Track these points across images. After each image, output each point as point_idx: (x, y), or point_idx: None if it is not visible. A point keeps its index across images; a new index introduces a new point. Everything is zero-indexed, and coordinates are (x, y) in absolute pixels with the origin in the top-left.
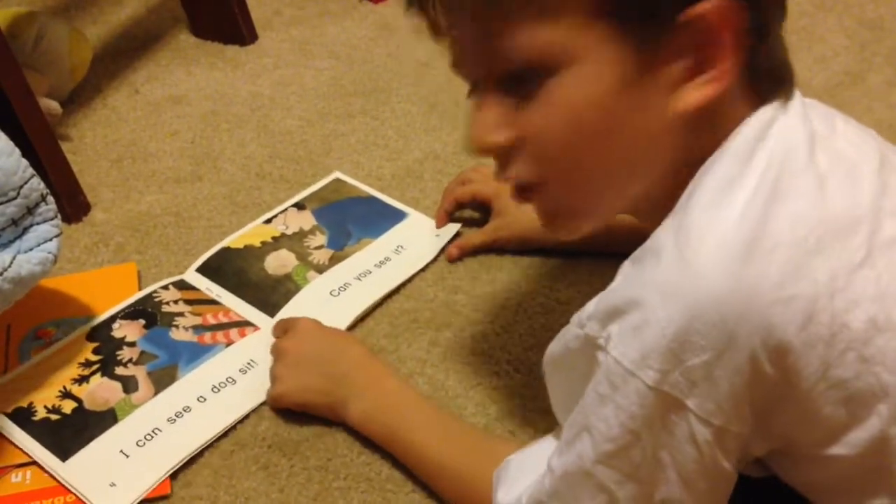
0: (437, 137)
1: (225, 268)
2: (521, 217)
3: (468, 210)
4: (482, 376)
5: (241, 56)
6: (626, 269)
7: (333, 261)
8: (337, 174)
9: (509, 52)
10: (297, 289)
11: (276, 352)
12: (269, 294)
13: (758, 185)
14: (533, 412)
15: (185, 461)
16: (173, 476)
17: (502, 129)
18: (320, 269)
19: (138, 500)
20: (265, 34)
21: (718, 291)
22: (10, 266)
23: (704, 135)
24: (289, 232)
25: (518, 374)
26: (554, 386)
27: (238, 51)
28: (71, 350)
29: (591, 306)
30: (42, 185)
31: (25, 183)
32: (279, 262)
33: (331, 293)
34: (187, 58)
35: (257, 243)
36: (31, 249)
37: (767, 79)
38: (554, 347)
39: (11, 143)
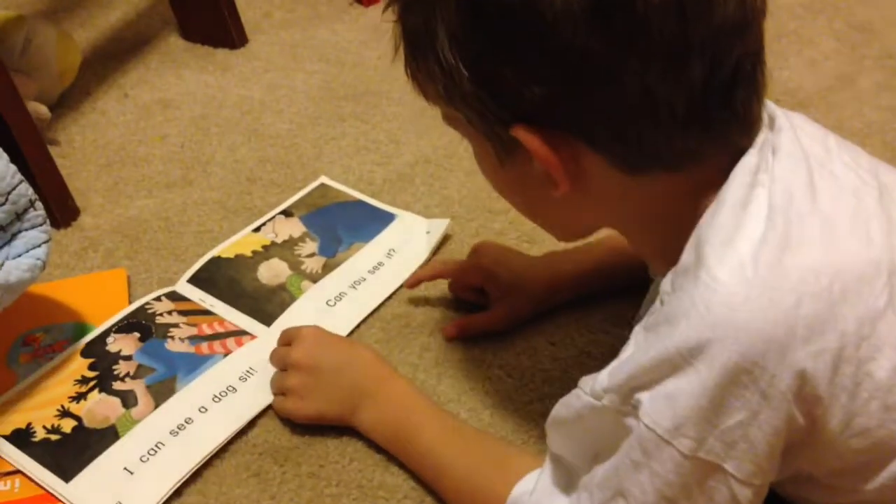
0: (428, 142)
1: (216, 278)
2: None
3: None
4: (474, 381)
5: (231, 59)
6: (640, 336)
7: (327, 269)
8: (322, 179)
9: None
10: (293, 299)
11: (285, 363)
12: (264, 304)
13: (764, 237)
14: (525, 418)
15: (192, 473)
16: None
17: None
18: (314, 278)
19: None
20: (255, 37)
21: (748, 351)
22: None
23: (630, 202)
24: (279, 240)
25: (510, 379)
26: (560, 440)
27: (228, 54)
28: (66, 367)
29: (605, 378)
30: (30, 190)
31: (13, 189)
32: (272, 272)
33: (327, 303)
34: (177, 61)
35: (248, 252)
36: (19, 255)
37: (655, 162)
38: (561, 412)
39: None
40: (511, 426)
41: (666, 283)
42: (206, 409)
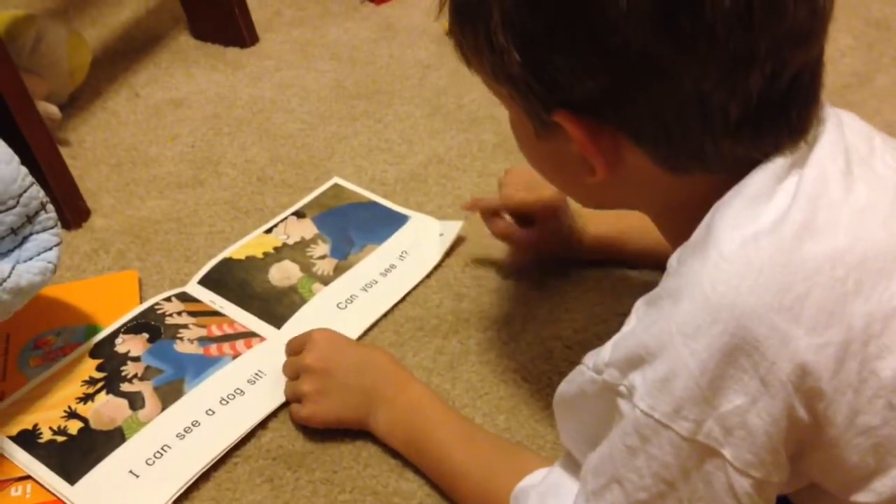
0: (440, 141)
1: (227, 279)
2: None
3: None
4: (489, 385)
5: (241, 58)
6: (641, 310)
7: (338, 271)
8: (336, 179)
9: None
10: (303, 301)
11: (299, 369)
12: (275, 306)
13: (786, 217)
14: (541, 423)
15: (198, 476)
16: None
17: None
18: (325, 281)
19: None
20: (266, 36)
21: (749, 335)
22: (9, 276)
23: (664, 193)
24: (290, 242)
25: (526, 384)
26: (565, 422)
27: (239, 53)
28: (74, 368)
29: (608, 352)
30: (41, 193)
31: (25, 191)
32: (283, 274)
33: (338, 306)
34: (187, 60)
35: (259, 254)
36: (30, 259)
37: (696, 163)
38: (566, 389)
39: (10, 151)
40: (526, 431)
41: (673, 258)
42: (214, 412)
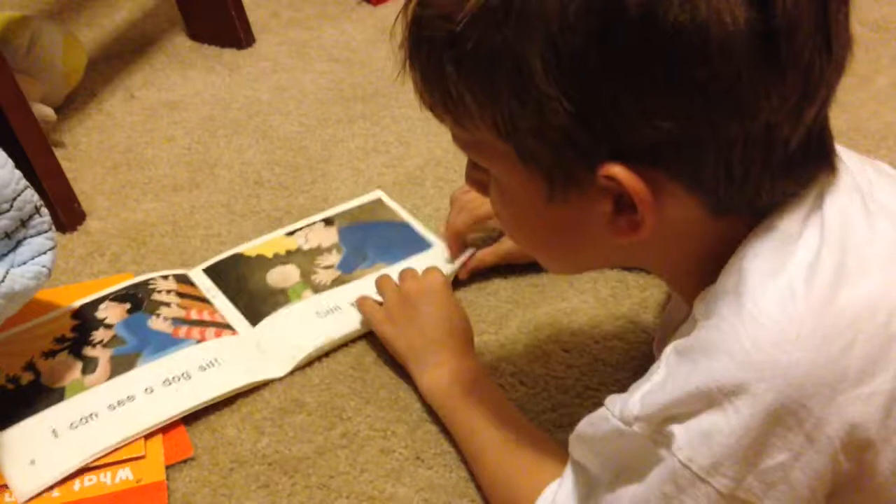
0: (437, 143)
1: (230, 272)
2: None
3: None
4: None
5: (238, 59)
6: (672, 361)
7: (336, 283)
8: (379, 194)
9: (457, 140)
10: (287, 303)
11: (397, 290)
12: (260, 304)
13: (818, 263)
14: (539, 426)
15: (107, 452)
16: (170, 494)
17: (476, 185)
18: (318, 290)
19: (52, 483)
20: (262, 37)
21: (795, 394)
22: (3, 281)
23: (693, 242)
24: (305, 247)
25: (523, 387)
26: (581, 452)
27: (235, 54)
28: (53, 324)
29: (637, 405)
30: (36, 196)
31: (19, 195)
32: (281, 277)
33: (317, 313)
34: (184, 62)
35: (269, 255)
36: (24, 263)
37: (749, 204)
38: (587, 431)
39: (4, 154)
40: None
41: (699, 305)
42: (152, 391)
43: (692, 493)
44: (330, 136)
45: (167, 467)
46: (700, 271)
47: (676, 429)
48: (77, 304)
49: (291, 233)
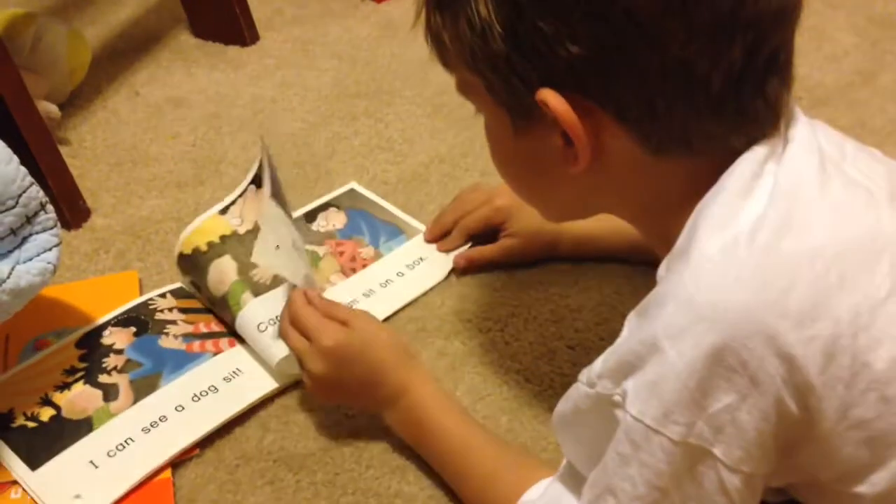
0: (442, 140)
1: (198, 279)
2: (531, 225)
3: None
4: (492, 387)
5: (242, 57)
6: (633, 322)
7: (277, 281)
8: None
9: (457, 87)
10: (233, 318)
11: (314, 339)
12: (225, 315)
13: (764, 216)
14: (544, 424)
15: (152, 473)
16: (176, 491)
17: None
18: (257, 291)
19: None
20: (266, 34)
21: (736, 333)
22: (8, 277)
23: (642, 185)
24: (241, 230)
25: (529, 385)
26: (566, 442)
27: (239, 51)
28: (59, 356)
29: (599, 364)
30: (41, 193)
31: (24, 191)
32: (218, 276)
33: (259, 326)
34: (188, 59)
35: (204, 246)
36: (30, 260)
37: (680, 144)
38: (563, 407)
39: (9, 151)
40: (529, 433)
41: (661, 268)
42: (184, 408)
43: (647, 449)
44: (334, 133)
45: (173, 464)
46: (660, 223)
47: (629, 384)
48: (79, 332)
49: (224, 210)
